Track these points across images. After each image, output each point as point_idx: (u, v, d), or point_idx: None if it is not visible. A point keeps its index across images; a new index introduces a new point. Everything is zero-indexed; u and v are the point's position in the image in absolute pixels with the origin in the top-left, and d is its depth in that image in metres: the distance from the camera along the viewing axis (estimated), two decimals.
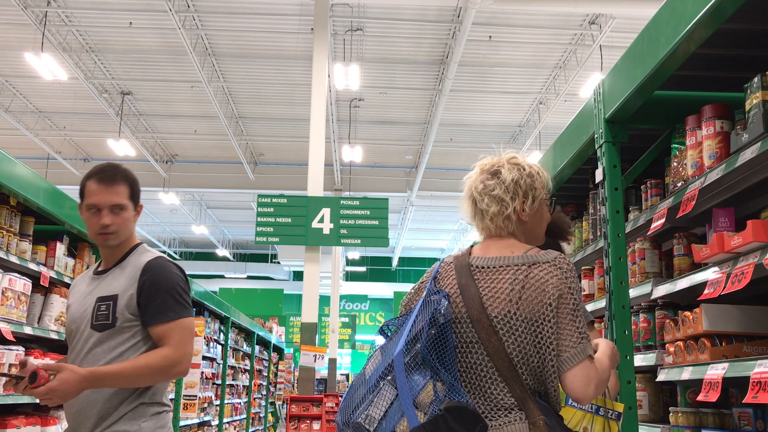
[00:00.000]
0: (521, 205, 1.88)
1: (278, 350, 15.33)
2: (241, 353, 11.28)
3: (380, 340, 1.82)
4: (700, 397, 2.05)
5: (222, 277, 27.64)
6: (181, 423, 6.96)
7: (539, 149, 15.70)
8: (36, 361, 3.82)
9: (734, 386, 2.41)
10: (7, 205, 3.61)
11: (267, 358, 13.96)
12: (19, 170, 3.57)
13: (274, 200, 9.43)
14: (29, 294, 3.78)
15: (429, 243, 27.11)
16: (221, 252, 26.99)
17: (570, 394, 1.71)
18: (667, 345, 2.50)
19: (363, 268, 28.55)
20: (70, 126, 16.53)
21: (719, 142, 2.15)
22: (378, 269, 28.90)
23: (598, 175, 2.67)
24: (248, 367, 11.87)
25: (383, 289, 27.82)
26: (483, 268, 1.80)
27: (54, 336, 4.02)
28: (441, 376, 1.62)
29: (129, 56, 13.15)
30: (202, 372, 7.82)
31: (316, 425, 8.55)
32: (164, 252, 25.76)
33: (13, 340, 3.53)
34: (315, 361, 8.87)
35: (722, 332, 2.25)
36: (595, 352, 1.85)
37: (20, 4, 11.00)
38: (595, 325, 2.78)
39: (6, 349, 3.51)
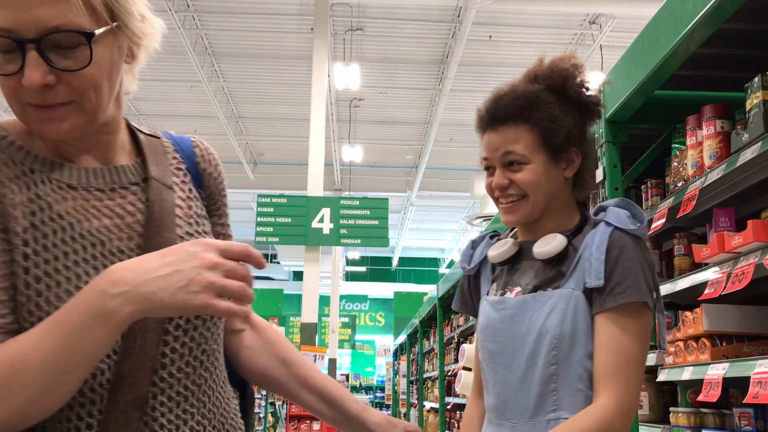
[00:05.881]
0: None
1: None
2: None
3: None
4: (700, 398, 2.05)
5: None
6: None
7: None
8: None
9: (735, 386, 2.40)
10: None
11: None
12: None
13: (274, 200, 9.45)
14: None
15: (429, 243, 27.08)
16: None
17: None
18: (667, 345, 2.50)
19: (363, 268, 28.51)
20: None
21: (720, 142, 2.15)
22: (378, 269, 28.86)
23: (598, 175, 2.67)
24: None
25: (383, 289, 27.77)
26: None
27: None
28: None
29: None
30: None
31: (316, 425, 8.55)
32: None
33: None
34: (315, 361, 8.87)
35: (723, 332, 2.25)
36: None
37: None
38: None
39: None
